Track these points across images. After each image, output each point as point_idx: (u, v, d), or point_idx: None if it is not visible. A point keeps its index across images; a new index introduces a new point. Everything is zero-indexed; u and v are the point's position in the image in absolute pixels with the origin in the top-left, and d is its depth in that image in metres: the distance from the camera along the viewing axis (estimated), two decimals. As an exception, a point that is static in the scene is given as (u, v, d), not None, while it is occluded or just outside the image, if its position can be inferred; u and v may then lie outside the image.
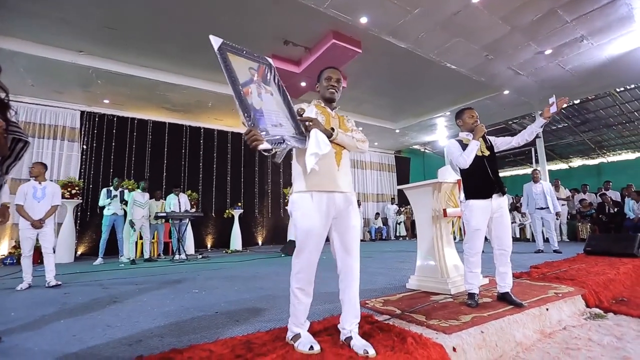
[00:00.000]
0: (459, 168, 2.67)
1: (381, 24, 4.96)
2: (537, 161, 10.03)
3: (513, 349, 1.94)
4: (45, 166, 4.12)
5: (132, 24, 5.01)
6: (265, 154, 1.52)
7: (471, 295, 2.48)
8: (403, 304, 2.55)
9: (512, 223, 9.99)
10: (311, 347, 1.55)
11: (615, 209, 7.74)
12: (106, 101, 7.45)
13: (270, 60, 1.68)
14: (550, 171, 12.82)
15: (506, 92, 7.59)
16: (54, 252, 4.09)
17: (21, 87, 6.59)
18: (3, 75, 5.55)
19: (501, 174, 17.89)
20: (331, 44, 5.31)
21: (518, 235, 9.65)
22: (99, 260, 6.08)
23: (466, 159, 2.60)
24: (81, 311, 2.64)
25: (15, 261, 6.25)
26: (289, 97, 1.66)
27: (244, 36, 5.33)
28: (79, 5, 4.55)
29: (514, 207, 10.21)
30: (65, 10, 4.62)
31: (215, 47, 1.46)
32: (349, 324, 1.68)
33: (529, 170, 15.24)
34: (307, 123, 1.61)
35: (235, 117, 8.87)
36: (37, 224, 3.76)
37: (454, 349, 1.66)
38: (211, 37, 1.46)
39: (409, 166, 14.42)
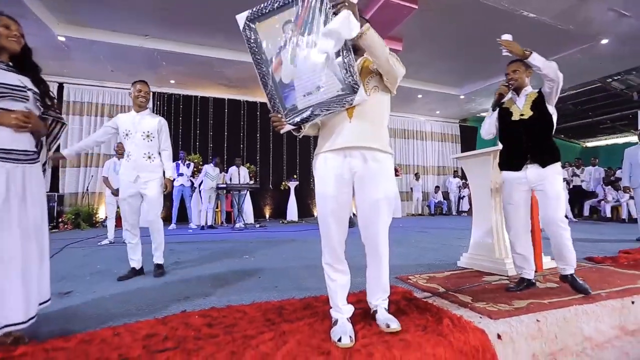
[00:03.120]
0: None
1: (440, -29, 4.34)
2: (643, 126, 8.25)
3: (579, 344, 1.66)
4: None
5: (184, 2, 5.18)
6: (295, 134, 1.53)
7: (520, 280, 2.17)
8: (449, 282, 2.37)
9: (600, 200, 8.57)
10: (340, 339, 1.32)
11: None
12: (172, 81, 8.05)
13: None
14: (661, 138, 10.48)
15: (604, 41, 6.20)
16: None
17: (104, 73, 7.46)
18: (90, 63, 6.28)
19: (595, 143, 15.23)
20: (383, 2, 4.86)
21: (609, 215, 8.26)
22: (172, 225, 6.88)
23: (481, 129, 2.42)
24: (149, 268, 2.99)
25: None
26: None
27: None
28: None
29: (609, 182, 8.70)
30: (129, -5, 4.98)
31: (241, 27, 1.38)
32: (376, 299, 1.59)
33: (632, 139, 12.66)
34: (339, 5, 1.25)
35: (289, 91, 8.91)
36: (116, 193, 4.44)
37: (499, 336, 1.47)
38: (237, 17, 1.39)
39: (475, 136, 13.11)
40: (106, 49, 6.29)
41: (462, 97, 9.76)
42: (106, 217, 7.45)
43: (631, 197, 7.50)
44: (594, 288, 2.17)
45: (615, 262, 2.98)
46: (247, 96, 9.28)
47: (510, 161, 2.19)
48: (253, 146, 9.41)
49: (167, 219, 7.77)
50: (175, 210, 6.96)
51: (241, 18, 1.37)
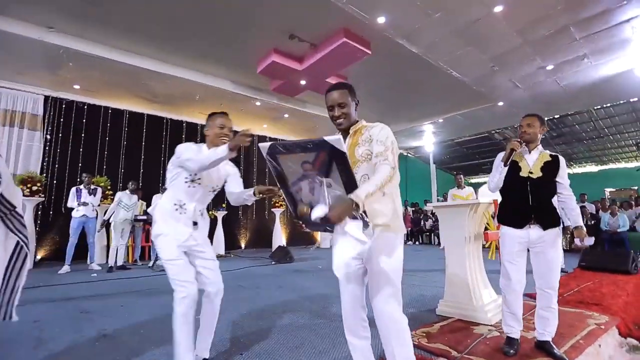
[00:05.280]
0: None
1: (398, 25, 4.71)
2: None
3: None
4: None
5: (115, 1, 4.35)
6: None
7: (509, 341, 2.13)
8: (448, 338, 2.32)
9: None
10: None
11: (592, 222, 8.13)
12: (76, 86, 6.57)
13: (333, 141, 1.24)
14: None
15: (500, 103, 7.69)
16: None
17: (-29, 63, 5.61)
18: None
19: (477, 180, 18.38)
20: (341, 43, 4.98)
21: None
22: (66, 267, 5.34)
23: (489, 182, 2.33)
24: (66, 356, 2.10)
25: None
26: (355, 182, 1.30)
27: (247, 25, 4.85)
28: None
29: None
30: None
31: (265, 153, 1.43)
32: None
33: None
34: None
35: (222, 112, 8.27)
36: None
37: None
38: (260, 145, 1.40)
39: (392, 170, 14.42)
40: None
41: (386, 135, 10.68)
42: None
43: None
44: (564, 333, 2.42)
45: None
46: (171, 114, 8.23)
47: (513, 217, 2.16)
48: (176, 169, 8.26)
49: (57, 258, 6.05)
50: (71, 247, 5.43)
51: (264, 148, 1.43)
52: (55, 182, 6.64)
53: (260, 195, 1.83)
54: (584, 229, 2.12)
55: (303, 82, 6.36)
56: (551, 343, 2.08)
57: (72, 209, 5.50)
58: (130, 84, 6.44)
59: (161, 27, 4.90)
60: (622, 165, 14.38)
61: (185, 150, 1.75)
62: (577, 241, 2.13)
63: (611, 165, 14.75)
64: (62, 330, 2.53)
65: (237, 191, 1.98)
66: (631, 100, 7.89)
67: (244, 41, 5.28)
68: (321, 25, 4.81)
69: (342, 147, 1.23)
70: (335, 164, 1.27)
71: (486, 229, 3.07)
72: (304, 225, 1.51)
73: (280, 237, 9.17)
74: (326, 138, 1.23)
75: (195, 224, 1.87)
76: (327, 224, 1.39)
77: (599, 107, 9.23)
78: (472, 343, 2.23)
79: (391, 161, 1.35)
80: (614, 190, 14.26)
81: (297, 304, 3.32)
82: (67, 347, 2.20)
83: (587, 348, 2.17)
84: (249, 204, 1.90)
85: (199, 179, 1.85)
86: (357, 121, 1.56)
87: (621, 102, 8.05)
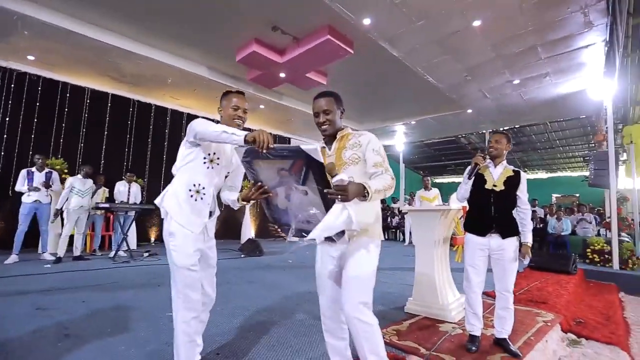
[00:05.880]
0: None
1: (382, 28, 4.78)
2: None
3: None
4: None
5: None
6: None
7: (472, 338, 2.32)
8: (417, 335, 2.48)
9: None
10: None
11: (541, 225, 8.90)
12: (31, 57, 5.96)
13: (310, 150, 1.22)
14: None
15: (469, 110, 8.11)
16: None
17: None
18: None
19: (441, 180, 19.34)
20: (325, 40, 4.96)
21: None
22: (13, 257, 4.91)
23: (457, 192, 2.52)
24: (27, 359, 1.96)
25: None
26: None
27: (230, 12, 4.67)
28: None
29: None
30: None
31: (240, 158, 1.46)
32: None
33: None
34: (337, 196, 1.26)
35: (194, 98, 7.95)
36: None
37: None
38: (236, 149, 1.46)
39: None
40: None
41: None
42: None
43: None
44: (517, 329, 2.66)
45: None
46: (138, 95, 7.74)
47: (476, 226, 2.37)
48: (142, 155, 7.83)
49: (1, 246, 5.53)
50: (20, 234, 4.99)
51: (240, 151, 1.44)
52: (1, 162, 6.03)
53: (244, 202, 1.67)
54: (530, 246, 2.31)
55: (282, 75, 6.27)
56: (507, 340, 2.30)
57: (22, 193, 5.05)
58: (96, 60, 5.96)
59: (137, 3, 4.57)
60: (568, 174, 15.85)
61: (197, 120, 1.62)
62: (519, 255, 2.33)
63: (559, 174, 16.21)
64: (17, 329, 2.34)
65: (227, 191, 1.86)
66: (581, 117, 8.66)
67: (225, 28, 5.08)
68: (306, 20, 4.76)
69: (318, 157, 1.21)
70: (312, 173, 1.26)
71: (454, 233, 3.27)
72: (279, 230, 1.55)
73: (249, 230, 9.05)
74: (303, 147, 1.22)
75: (210, 214, 1.73)
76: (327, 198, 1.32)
77: (554, 121, 10.05)
78: (439, 340, 2.39)
79: (391, 172, 1.46)
80: (560, 196, 15.71)
81: (270, 301, 3.33)
82: (26, 349, 2.05)
83: (537, 344, 2.42)
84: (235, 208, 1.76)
85: (218, 158, 1.71)
86: (343, 128, 1.62)
87: (572, 118, 8.81)
